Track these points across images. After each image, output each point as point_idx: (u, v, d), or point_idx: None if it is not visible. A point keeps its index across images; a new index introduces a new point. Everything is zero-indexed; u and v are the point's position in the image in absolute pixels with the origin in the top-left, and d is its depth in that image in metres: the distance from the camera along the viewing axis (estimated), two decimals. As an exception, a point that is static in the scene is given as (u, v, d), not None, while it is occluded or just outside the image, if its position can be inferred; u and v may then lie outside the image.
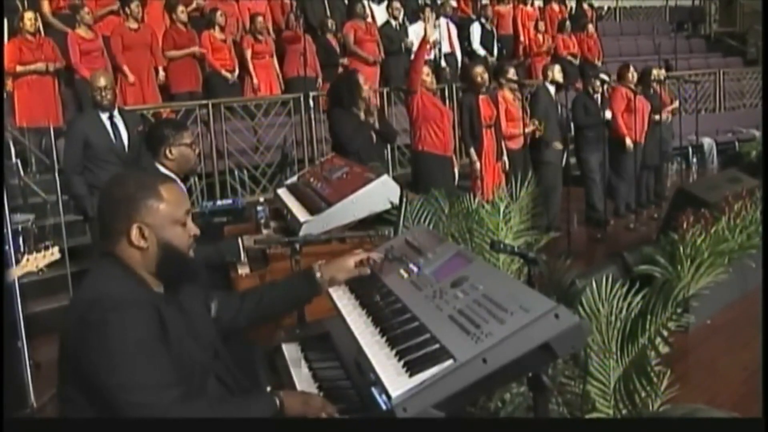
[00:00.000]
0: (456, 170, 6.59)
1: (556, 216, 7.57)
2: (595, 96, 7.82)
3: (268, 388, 2.18)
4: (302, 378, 2.43)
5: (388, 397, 1.62)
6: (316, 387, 2.34)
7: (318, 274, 2.50)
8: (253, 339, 3.03)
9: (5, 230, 4.39)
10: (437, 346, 1.74)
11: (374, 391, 2.20)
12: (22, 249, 4.93)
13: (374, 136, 5.44)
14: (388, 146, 8.60)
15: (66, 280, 5.56)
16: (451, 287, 1.98)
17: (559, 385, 2.43)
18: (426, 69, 6.19)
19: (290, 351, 2.69)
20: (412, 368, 1.68)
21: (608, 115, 7.83)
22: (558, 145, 7.37)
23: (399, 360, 1.76)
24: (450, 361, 1.64)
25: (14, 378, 3.89)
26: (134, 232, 2.00)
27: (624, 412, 2.47)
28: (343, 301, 2.39)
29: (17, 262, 3.81)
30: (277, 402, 2.04)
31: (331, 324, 2.77)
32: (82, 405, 1.94)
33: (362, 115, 5.40)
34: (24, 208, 6.25)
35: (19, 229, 5.23)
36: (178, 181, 3.51)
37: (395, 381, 1.67)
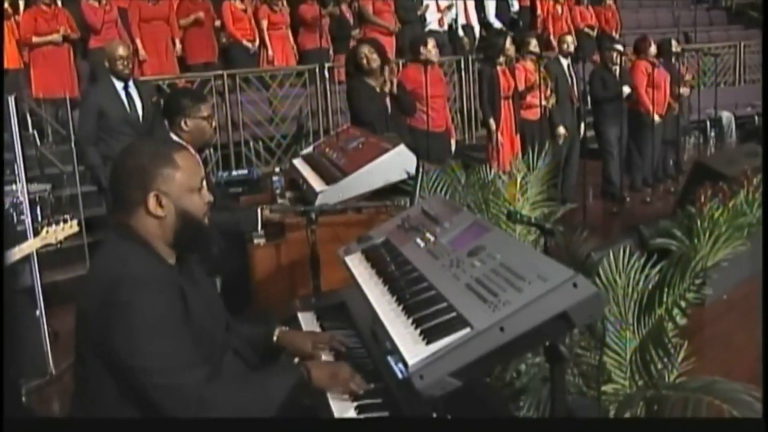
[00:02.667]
0: (452, 145, 6.55)
1: (571, 188, 7.53)
2: (614, 68, 7.72)
3: (295, 360, 2.17)
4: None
5: (405, 365, 1.62)
6: (332, 357, 2.34)
7: (275, 337, 2.40)
8: (268, 309, 3.05)
9: (23, 202, 4.42)
10: (454, 314, 1.73)
11: (390, 359, 2.21)
12: (40, 218, 4.97)
13: (389, 106, 5.39)
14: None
15: (82, 250, 5.59)
16: (468, 256, 1.97)
17: (575, 356, 2.42)
18: (431, 41, 6.12)
19: (306, 320, 2.70)
20: (428, 336, 1.68)
21: (626, 90, 7.73)
22: (561, 130, 7.30)
23: (416, 328, 1.76)
24: (467, 330, 1.63)
25: (33, 347, 3.92)
26: (151, 201, 1.98)
27: (640, 383, 2.46)
28: (360, 269, 2.38)
29: (36, 232, 3.83)
30: (304, 373, 2.04)
31: (347, 294, 2.77)
32: (102, 384, 1.93)
33: (377, 86, 5.34)
34: (41, 178, 6.28)
35: (37, 198, 5.25)
36: (191, 149, 3.51)
37: (412, 349, 1.67)
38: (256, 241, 3.59)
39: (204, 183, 2.11)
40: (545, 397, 2.38)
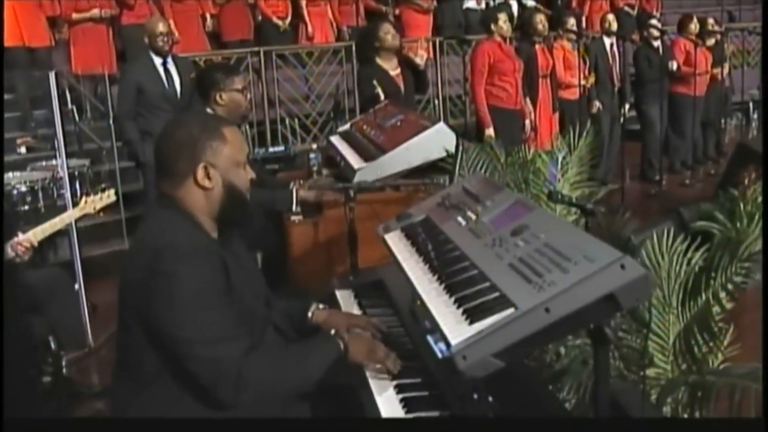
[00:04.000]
0: (527, 124, 6.48)
1: (611, 169, 7.43)
2: (656, 46, 7.58)
3: (332, 331, 2.17)
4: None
5: (447, 344, 1.59)
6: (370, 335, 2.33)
7: (310, 314, 2.42)
8: (305, 286, 3.04)
9: (63, 176, 4.46)
10: (497, 294, 1.70)
11: (430, 339, 2.19)
12: (79, 193, 5.03)
13: (402, 87, 5.21)
14: (440, 97, 8.53)
15: (120, 225, 5.66)
16: (512, 235, 1.93)
17: (617, 338, 2.37)
18: (503, 16, 6.05)
19: (344, 298, 2.69)
20: (472, 316, 1.65)
21: (673, 65, 7.58)
22: (596, 103, 7.20)
23: (458, 308, 1.73)
24: (511, 310, 1.60)
25: (72, 320, 3.97)
26: (200, 173, 1.99)
27: (683, 367, 2.42)
28: (399, 248, 2.36)
29: (75, 204, 3.87)
30: (341, 346, 2.05)
31: (385, 272, 2.76)
32: (143, 353, 1.94)
33: (390, 68, 5.08)
34: (79, 154, 6.36)
35: (76, 173, 5.31)
36: None
37: (455, 329, 1.64)
38: (293, 218, 3.58)
39: (247, 159, 2.12)
40: (585, 379, 2.34)
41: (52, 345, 3.75)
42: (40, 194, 4.90)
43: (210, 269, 1.90)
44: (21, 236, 3.43)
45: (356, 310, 2.58)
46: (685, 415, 2.29)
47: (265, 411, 1.92)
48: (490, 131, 5.88)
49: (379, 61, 5.04)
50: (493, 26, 5.99)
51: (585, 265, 1.59)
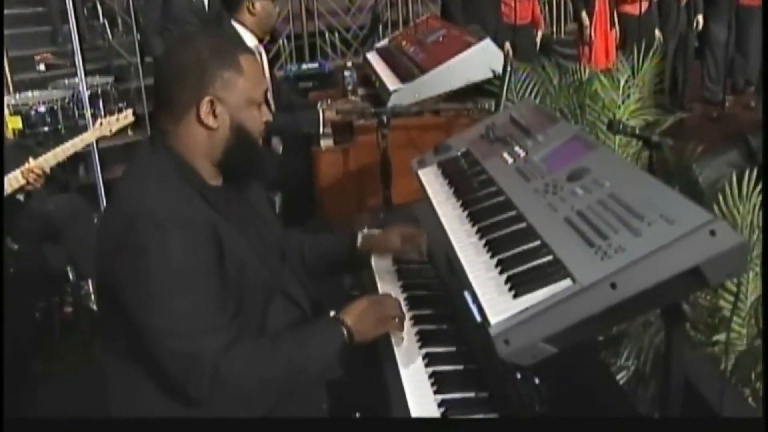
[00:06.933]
0: (537, 38, 6.14)
1: (683, 94, 6.89)
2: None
3: (332, 313, 1.83)
4: (385, 275, 2.13)
5: (487, 322, 1.29)
6: (400, 287, 2.04)
7: (359, 243, 2.16)
8: (331, 224, 2.77)
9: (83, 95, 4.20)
10: (550, 258, 1.38)
11: (467, 296, 1.89)
12: (103, 112, 4.78)
13: None
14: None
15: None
16: (568, 181, 1.59)
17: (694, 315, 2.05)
18: None
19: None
20: (517, 287, 1.33)
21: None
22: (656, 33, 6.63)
23: (501, 272, 1.42)
24: (567, 282, 1.28)
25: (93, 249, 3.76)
26: (205, 107, 1.63)
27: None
28: (435, 187, 2.03)
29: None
30: (345, 333, 1.69)
31: (421, 210, 2.44)
32: (114, 334, 1.66)
33: None
34: (109, 70, 6.09)
35: (99, 91, 5.04)
36: (260, 54, 3.18)
37: (496, 302, 1.33)
38: (322, 143, 3.29)
39: (265, 97, 1.76)
40: (647, 345, 2.03)
41: (71, 275, 3.56)
42: (60, 115, 4.63)
43: (192, 242, 1.55)
44: (32, 162, 3.18)
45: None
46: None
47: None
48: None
49: None
50: None
51: (663, 228, 1.25)
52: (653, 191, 1.39)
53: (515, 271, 1.39)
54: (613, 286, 1.21)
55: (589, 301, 1.22)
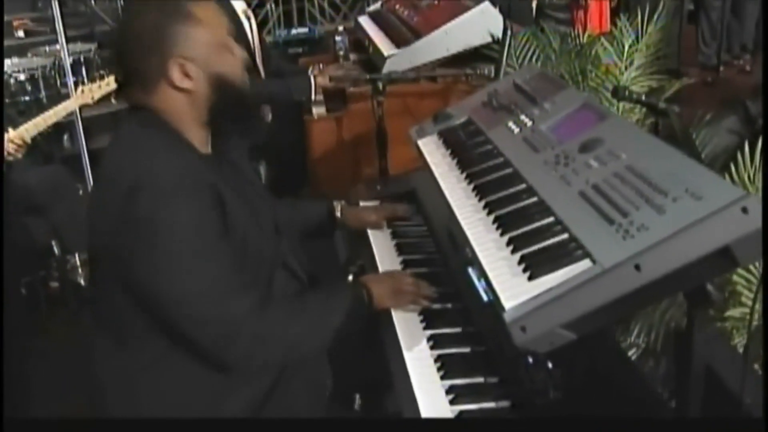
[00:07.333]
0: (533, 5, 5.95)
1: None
2: None
3: (350, 277, 1.76)
4: (383, 248, 2.05)
5: (501, 307, 1.20)
6: (400, 263, 1.95)
7: (338, 213, 2.12)
8: (324, 196, 2.66)
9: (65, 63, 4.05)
10: (566, 236, 1.29)
11: (471, 273, 1.81)
12: (86, 80, 4.63)
13: None
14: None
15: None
16: (581, 152, 1.50)
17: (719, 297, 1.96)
18: None
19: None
20: (533, 268, 1.24)
21: None
22: None
23: (513, 252, 1.32)
24: (586, 263, 1.19)
25: (78, 221, 3.64)
26: (174, 71, 1.52)
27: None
28: (437, 157, 1.93)
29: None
30: (365, 296, 1.66)
31: (418, 180, 2.36)
32: (125, 315, 1.55)
33: None
34: (92, 36, 5.91)
35: (81, 59, 4.88)
36: (249, 18, 3.05)
37: (510, 285, 1.23)
38: (314, 111, 3.18)
39: (233, 38, 1.64)
40: (657, 321, 1.95)
41: (55, 249, 3.45)
42: (41, 83, 4.48)
43: (198, 206, 1.46)
44: (11, 132, 3.05)
45: (385, 230, 2.19)
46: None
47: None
48: None
49: None
50: None
51: (689, 205, 1.16)
52: (675, 163, 1.30)
53: (529, 250, 1.30)
54: (638, 267, 1.12)
55: (611, 285, 1.13)
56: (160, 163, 1.49)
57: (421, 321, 1.68)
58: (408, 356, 1.55)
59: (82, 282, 3.73)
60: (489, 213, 1.50)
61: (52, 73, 4.56)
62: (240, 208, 1.57)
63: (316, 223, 2.12)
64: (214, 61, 1.56)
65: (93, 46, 5.24)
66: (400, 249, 2.05)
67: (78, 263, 3.75)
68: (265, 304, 1.53)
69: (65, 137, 4.65)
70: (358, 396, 1.94)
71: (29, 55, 5.02)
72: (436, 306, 1.73)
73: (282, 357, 1.58)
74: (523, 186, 1.54)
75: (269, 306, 1.54)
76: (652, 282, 1.13)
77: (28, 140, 3.10)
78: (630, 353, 1.94)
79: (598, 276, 1.15)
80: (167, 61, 1.52)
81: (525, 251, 1.30)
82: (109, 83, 3.31)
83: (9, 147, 3.04)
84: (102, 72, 3.47)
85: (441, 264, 1.95)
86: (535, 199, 1.47)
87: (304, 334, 1.57)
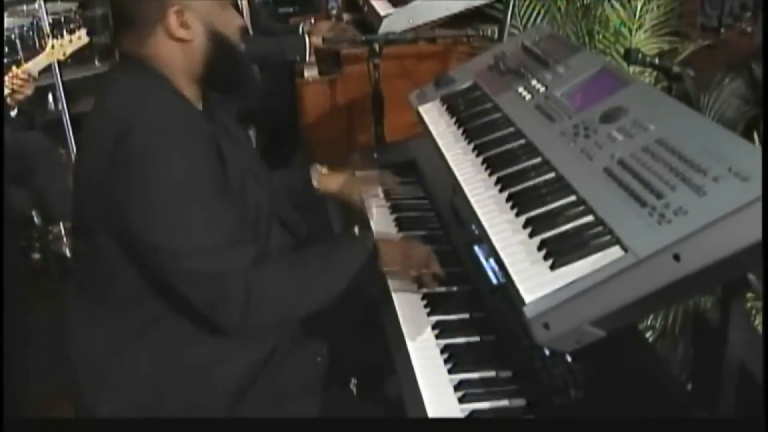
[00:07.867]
0: None
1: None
2: None
3: (356, 229, 1.66)
4: (380, 224, 1.91)
5: (521, 301, 1.06)
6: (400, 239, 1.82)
7: (315, 183, 2.01)
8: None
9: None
10: (591, 218, 1.16)
11: (477, 251, 1.68)
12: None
13: None
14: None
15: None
16: (602, 122, 1.36)
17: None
18: None
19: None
20: (555, 255, 1.10)
21: None
22: None
23: (531, 236, 1.19)
24: (616, 250, 1.06)
25: (59, 190, 3.49)
26: (173, 19, 1.45)
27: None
28: (441, 127, 1.79)
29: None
30: (371, 249, 1.56)
31: (418, 148, 2.23)
32: (114, 271, 1.45)
33: None
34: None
35: (62, 19, 4.67)
36: None
37: (529, 275, 1.10)
38: (306, 74, 3.02)
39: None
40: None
41: (36, 219, 3.31)
42: (19, 44, 4.28)
43: (197, 148, 1.38)
44: (14, 69, 2.91)
45: (383, 201, 2.06)
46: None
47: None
48: None
49: None
50: None
51: (734, 186, 1.03)
52: (712, 137, 1.16)
53: (549, 234, 1.16)
54: (677, 258, 0.99)
55: (647, 276, 1.00)
56: (154, 104, 1.43)
57: (425, 306, 1.55)
58: (411, 347, 1.42)
59: (67, 252, 3.59)
60: (501, 190, 1.37)
61: (31, 33, 4.37)
62: (238, 160, 1.51)
63: (290, 192, 1.99)
64: (213, 15, 1.52)
65: (74, 6, 5.03)
66: (400, 224, 1.92)
67: (63, 233, 3.61)
68: (265, 258, 1.43)
69: (50, 98, 4.46)
70: (354, 380, 1.84)
71: (6, 14, 4.80)
72: (441, 289, 1.60)
73: (281, 315, 1.49)
74: (539, 159, 1.40)
75: (269, 260, 1.45)
76: (693, 273, 0.99)
77: (35, 74, 2.94)
78: (647, 336, 1.83)
79: (632, 266, 1.01)
80: (167, 8, 1.45)
81: (545, 235, 1.16)
82: (81, 37, 3.14)
83: (15, 83, 2.89)
84: (73, 26, 3.28)
85: (445, 242, 1.81)
86: (552, 174, 1.33)
87: (305, 288, 1.47)
